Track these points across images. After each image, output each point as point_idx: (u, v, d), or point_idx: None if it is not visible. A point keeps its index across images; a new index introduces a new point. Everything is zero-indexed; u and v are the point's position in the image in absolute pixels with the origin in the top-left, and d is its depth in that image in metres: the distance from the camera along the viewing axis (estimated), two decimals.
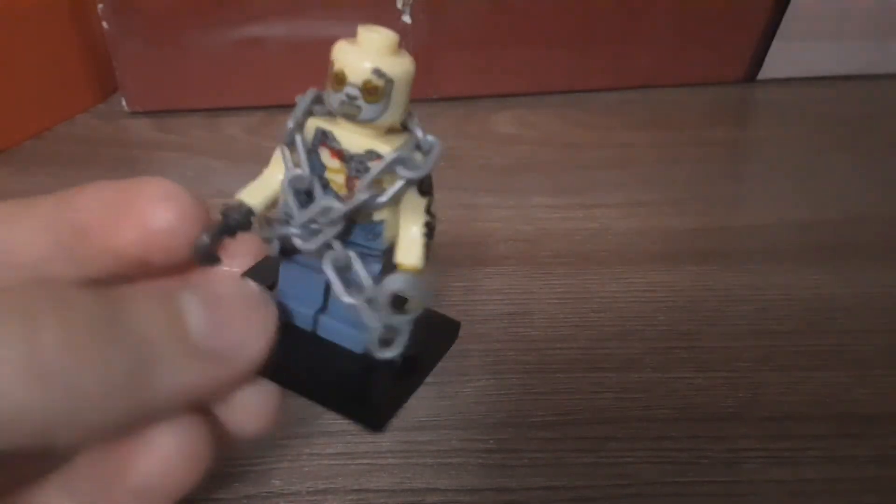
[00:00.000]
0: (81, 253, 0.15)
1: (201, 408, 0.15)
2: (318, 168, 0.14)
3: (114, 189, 0.16)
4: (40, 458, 0.14)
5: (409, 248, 0.14)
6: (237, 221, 0.14)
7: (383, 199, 0.14)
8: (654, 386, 0.24)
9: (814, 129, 0.42)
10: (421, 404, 0.23)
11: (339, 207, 0.14)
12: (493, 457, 0.21)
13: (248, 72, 0.41)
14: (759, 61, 0.47)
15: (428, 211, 0.14)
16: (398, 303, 0.14)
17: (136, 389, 0.12)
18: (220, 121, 0.41)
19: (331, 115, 0.14)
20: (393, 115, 0.14)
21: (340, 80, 0.13)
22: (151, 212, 0.15)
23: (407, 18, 0.40)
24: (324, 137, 0.14)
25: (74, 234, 0.15)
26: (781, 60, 0.46)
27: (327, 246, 0.14)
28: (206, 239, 0.15)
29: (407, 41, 0.41)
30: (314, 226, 0.14)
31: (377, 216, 0.14)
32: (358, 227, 0.14)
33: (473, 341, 0.25)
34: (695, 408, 0.23)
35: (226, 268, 0.16)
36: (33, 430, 0.12)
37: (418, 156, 0.14)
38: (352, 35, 0.14)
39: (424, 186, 0.14)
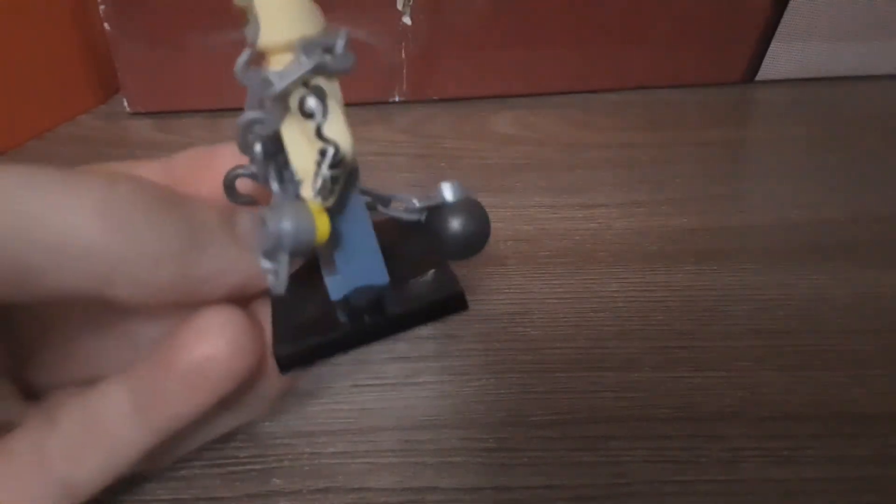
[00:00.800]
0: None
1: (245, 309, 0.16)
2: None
3: (200, 150, 0.18)
4: (97, 311, 0.16)
5: (306, 180, 0.14)
6: (248, 172, 0.15)
7: (268, 121, 0.13)
8: (654, 385, 0.24)
9: (813, 129, 0.42)
10: (421, 404, 0.23)
11: (239, 119, 0.14)
12: (493, 456, 0.21)
13: None
14: (758, 62, 0.47)
15: (320, 136, 0.13)
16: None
17: (188, 257, 0.14)
18: (221, 122, 0.41)
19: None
20: (267, 35, 0.13)
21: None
22: (225, 167, 0.17)
23: (407, 19, 0.40)
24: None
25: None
26: (781, 61, 0.46)
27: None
28: (231, 175, 0.16)
29: (407, 41, 0.41)
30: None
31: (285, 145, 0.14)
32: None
33: (473, 341, 0.25)
34: (694, 407, 0.23)
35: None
36: (97, 271, 0.13)
37: (278, 74, 0.13)
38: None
39: (306, 108, 0.13)
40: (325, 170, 0.13)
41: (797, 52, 0.46)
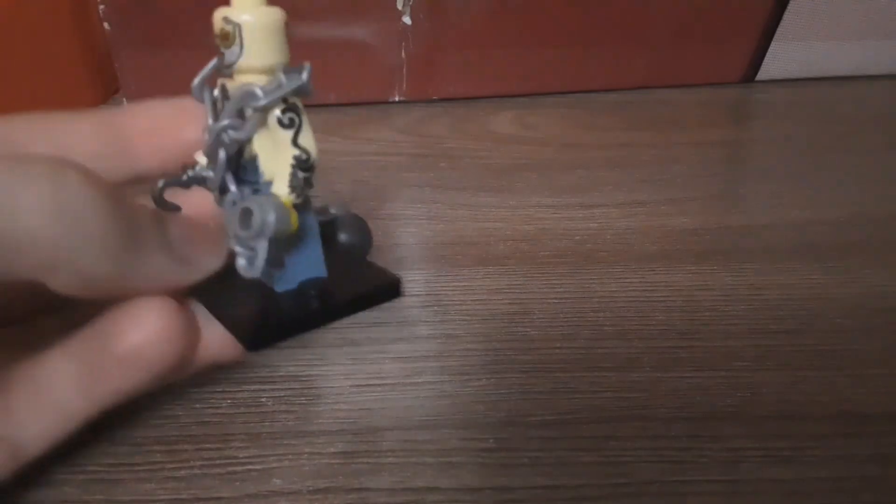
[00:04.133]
0: (127, 155, 0.19)
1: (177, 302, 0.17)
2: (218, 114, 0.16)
3: (160, 104, 0.19)
4: (38, 294, 0.17)
5: (278, 180, 0.16)
6: (189, 177, 0.17)
7: (245, 128, 0.15)
8: (654, 385, 0.24)
9: (813, 129, 0.42)
10: (421, 404, 0.23)
11: (213, 126, 0.16)
12: (493, 456, 0.21)
13: None
14: (758, 62, 0.47)
15: (295, 144, 0.16)
16: (246, 221, 0.15)
17: (125, 256, 0.15)
18: None
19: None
20: (253, 58, 0.15)
21: (215, 35, 0.15)
22: (186, 128, 0.18)
23: (407, 19, 0.40)
24: (223, 91, 0.16)
25: (124, 138, 0.19)
26: (781, 61, 0.47)
27: (224, 188, 0.16)
28: (160, 185, 0.17)
29: (407, 41, 0.41)
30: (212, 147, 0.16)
31: (253, 151, 0.16)
32: (248, 165, 0.16)
33: (473, 341, 0.25)
34: (694, 407, 0.23)
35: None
36: (40, 259, 0.14)
37: (262, 90, 0.15)
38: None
39: (285, 119, 0.15)
40: (299, 172, 0.16)
41: (797, 52, 0.46)
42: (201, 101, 0.16)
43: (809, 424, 0.22)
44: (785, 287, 0.28)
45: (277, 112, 0.15)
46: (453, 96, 0.45)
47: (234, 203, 0.16)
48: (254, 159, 0.16)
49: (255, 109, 0.15)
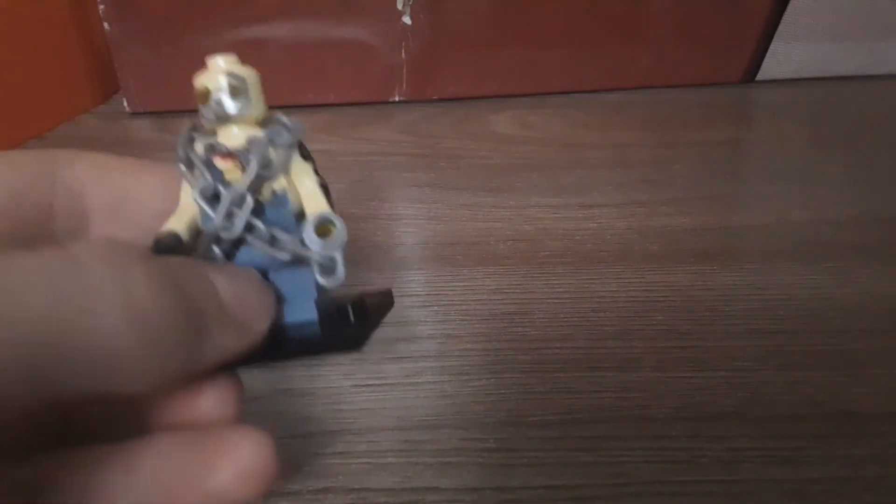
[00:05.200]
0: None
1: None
2: (217, 176, 0.17)
3: None
4: (106, 412, 0.16)
5: (313, 199, 0.17)
6: (168, 246, 0.16)
7: (273, 166, 0.16)
8: (653, 385, 0.24)
9: (813, 129, 0.42)
10: (421, 404, 0.23)
11: (241, 186, 0.16)
12: (492, 456, 0.21)
13: None
14: (758, 61, 0.47)
15: (316, 172, 0.17)
16: (322, 233, 0.16)
17: (191, 343, 0.14)
18: None
19: (206, 135, 0.17)
20: (256, 108, 0.16)
21: (205, 94, 0.16)
22: None
23: (407, 19, 0.40)
24: (212, 149, 0.17)
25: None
26: (781, 60, 0.47)
27: (249, 229, 0.16)
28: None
29: (407, 41, 0.41)
30: (231, 216, 0.16)
31: (278, 188, 0.17)
32: (267, 206, 0.17)
33: (473, 341, 0.25)
34: (694, 407, 0.23)
35: None
36: (116, 364, 0.13)
37: (286, 129, 0.17)
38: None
39: (304, 152, 0.17)
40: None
41: (797, 52, 0.46)
42: (188, 165, 0.17)
43: (809, 424, 0.22)
44: (784, 287, 0.28)
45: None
46: (453, 96, 0.45)
47: (263, 238, 0.17)
48: (278, 195, 0.17)
49: (287, 147, 0.16)
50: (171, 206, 0.17)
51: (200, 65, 0.16)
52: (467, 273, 0.29)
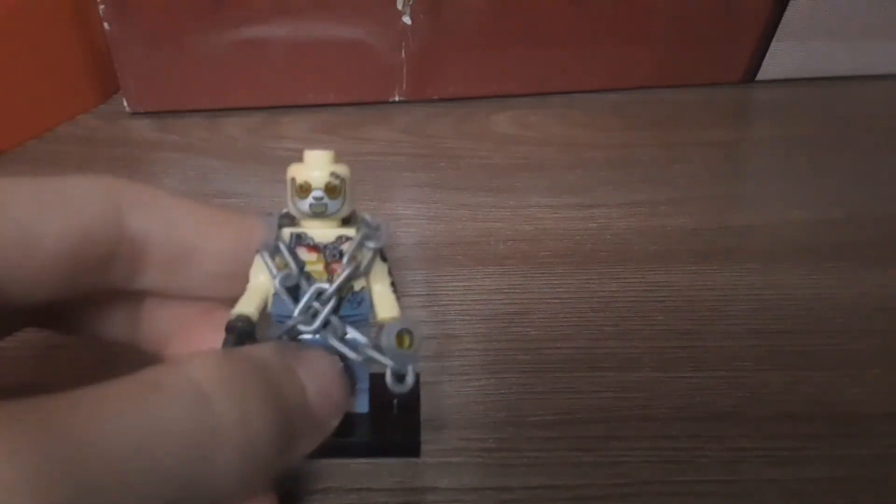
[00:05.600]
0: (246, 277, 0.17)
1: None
2: (299, 265, 0.17)
3: None
4: None
5: (386, 304, 0.17)
6: (244, 331, 0.16)
7: (362, 268, 0.17)
8: (654, 385, 0.24)
9: (813, 129, 0.42)
10: (421, 404, 0.23)
11: (329, 287, 0.16)
12: (492, 456, 0.21)
13: (248, 73, 0.41)
14: (758, 62, 0.47)
15: (390, 272, 0.18)
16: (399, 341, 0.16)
17: (285, 455, 0.14)
18: (220, 121, 0.41)
19: (292, 224, 0.17)
20: (349, 206, 0.17)
21: (306, 189, 0.16)
22: None
23: (407, 19, 0.40)
24: (298, 239, 0.17)
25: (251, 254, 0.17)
26: (781, 60, 0.46)
27: (325, 323, 0.16)
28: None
29: (407, 41, 0.41)
30: (311, 310, 0.16)
31: (357, 286, 0.17)
32: (344, 302, 0.17)
33: (473, 341, 0.25)
34: (694, 407, 0.23)
35: None
36: (224, 498, 0.13)
37: (376, 232, 0.17)
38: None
39: (384, 254, 0.17)
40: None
41: (797, 52, 0.46)
42: (275, 251, 0.17)
43: (809, 424, 0.22)
44: (785, 287, 0.28)
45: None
46: (453, 96, 0.45)
47: (338, 335, 0.17)
48: (356, 293, 0.17)
49: (377, 251, 0.17)
50: (233, 269, 0.17)
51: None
52: (467, 273, 0.29)
